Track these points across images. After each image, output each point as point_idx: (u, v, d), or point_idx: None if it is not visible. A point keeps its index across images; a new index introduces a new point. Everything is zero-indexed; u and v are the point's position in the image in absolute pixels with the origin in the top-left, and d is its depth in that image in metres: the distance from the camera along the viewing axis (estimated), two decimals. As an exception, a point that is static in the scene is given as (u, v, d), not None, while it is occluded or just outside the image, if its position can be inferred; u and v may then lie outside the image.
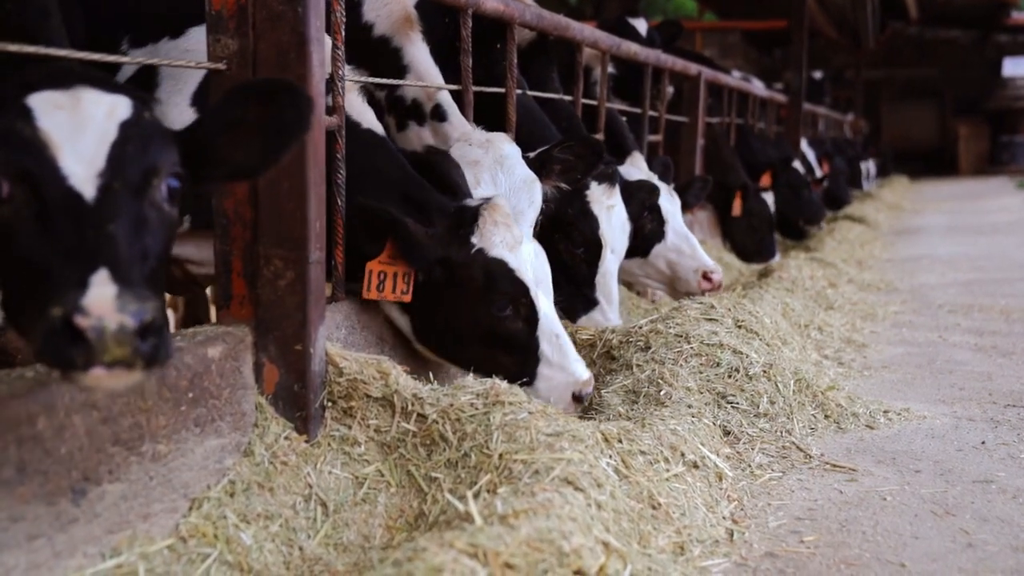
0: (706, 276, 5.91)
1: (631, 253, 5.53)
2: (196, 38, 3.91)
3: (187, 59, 3.59)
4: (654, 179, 6.07)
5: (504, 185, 4.29)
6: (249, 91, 2.53)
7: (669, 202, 6.10)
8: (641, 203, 5.74)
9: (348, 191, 3.59)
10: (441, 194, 3.84)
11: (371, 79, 3.96)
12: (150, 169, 2.29)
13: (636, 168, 6.18)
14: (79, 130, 2.20)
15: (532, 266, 3.78)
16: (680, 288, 6.00)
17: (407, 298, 3.67)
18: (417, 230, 3.58)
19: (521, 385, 3.58)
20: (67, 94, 2.25)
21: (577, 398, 3.73)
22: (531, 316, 3.72)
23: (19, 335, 2.28)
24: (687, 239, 6.04)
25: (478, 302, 3.67)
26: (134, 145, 2.26)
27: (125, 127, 2.26)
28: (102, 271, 2.04)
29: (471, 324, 3.71)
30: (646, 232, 5.79)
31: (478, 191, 4.13)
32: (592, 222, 5.01)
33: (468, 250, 3.66)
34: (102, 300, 1.99)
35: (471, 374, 3.75)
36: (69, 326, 1.98)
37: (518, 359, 3.71)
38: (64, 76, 2.32)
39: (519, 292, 3.69)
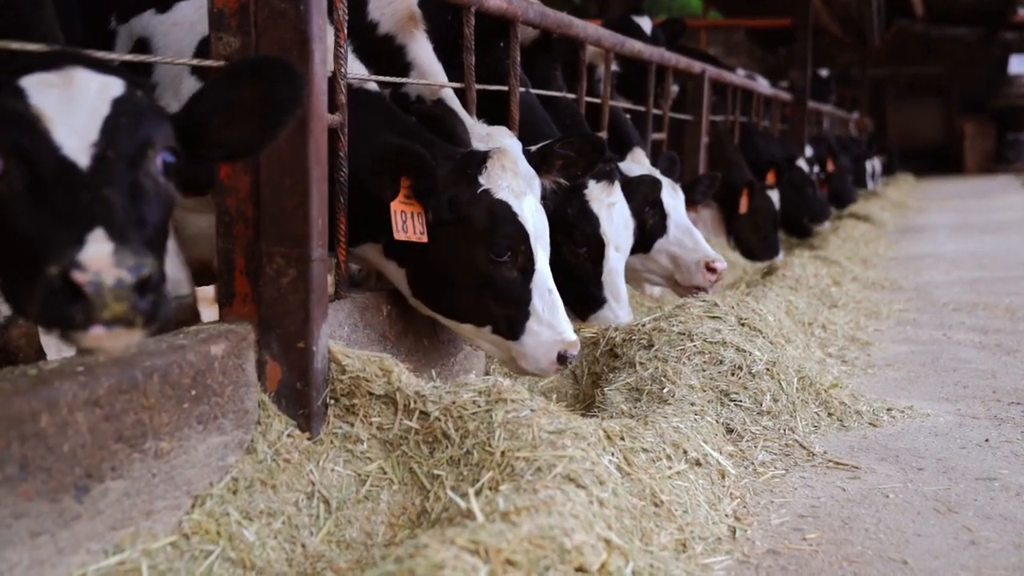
0: (709, 267, 5.88)
1: (633, 249, 5.51)
2: (183, 12, 3.93)
3: (175, 32, 3.62)
4: (655, 173, 6.05)
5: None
6: (242, 70, 2.54)
7: (672, 196, 6.08)
8: (644, 198, 5.72)
9: (352, 145, 3.60)
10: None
11: (375, 77, 3.96)
12: (144, 141, 2.29)
13: (637, 164, 6.18)
14: (71, 105, 2.21)
15: (534, 219, 3.78)
16: (683, 281, 5.96)
17: (424, 238, 3.66)
18: (426, 157, 3.59)
19: (508, 339, 3.67)
20: (59, 74, 2.25)
21: (562, 358, 3.74)
22: (527, 267, 3.72)
23: (16, 310, 2.25)
24: (690, 232, 6.01)
25: (478, 243, 3.67)
26: (127, 119, 2.26)
27: (118, 103, 2.27)
28: (98, 230, 2.04)
29: (468, 267, 3.69)
30: (648, 227, 5.77)
31: None
32: (592, 221, 5.00)
33: (474, 189, 3.67)
34: (99, 255, 1.98)
35: (462, 325, 3.81)
36: (67, 283, 1.97)
37: (509, 310, 3.72)
38: (57, 58, 2.32)
39: (520, 237, 3.70)
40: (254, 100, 2.49)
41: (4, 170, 2.14)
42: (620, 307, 5.08)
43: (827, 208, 11.27)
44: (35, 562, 2.30)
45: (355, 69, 3.80)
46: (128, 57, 2.71)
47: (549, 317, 3.73)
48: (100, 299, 1.98)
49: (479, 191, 3.66)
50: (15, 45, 2.42)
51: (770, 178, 10.01)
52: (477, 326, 3.78)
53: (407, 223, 3.64)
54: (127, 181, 2.23)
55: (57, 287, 1.98)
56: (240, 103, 2.50)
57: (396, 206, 3.62)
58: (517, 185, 3.73)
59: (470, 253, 3.68)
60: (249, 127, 2.53)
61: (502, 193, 3.68)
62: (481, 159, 3.71)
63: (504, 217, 3.67)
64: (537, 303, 3.73)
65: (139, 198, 2.25)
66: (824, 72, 22.15)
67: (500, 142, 4.27)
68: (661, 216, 5.96)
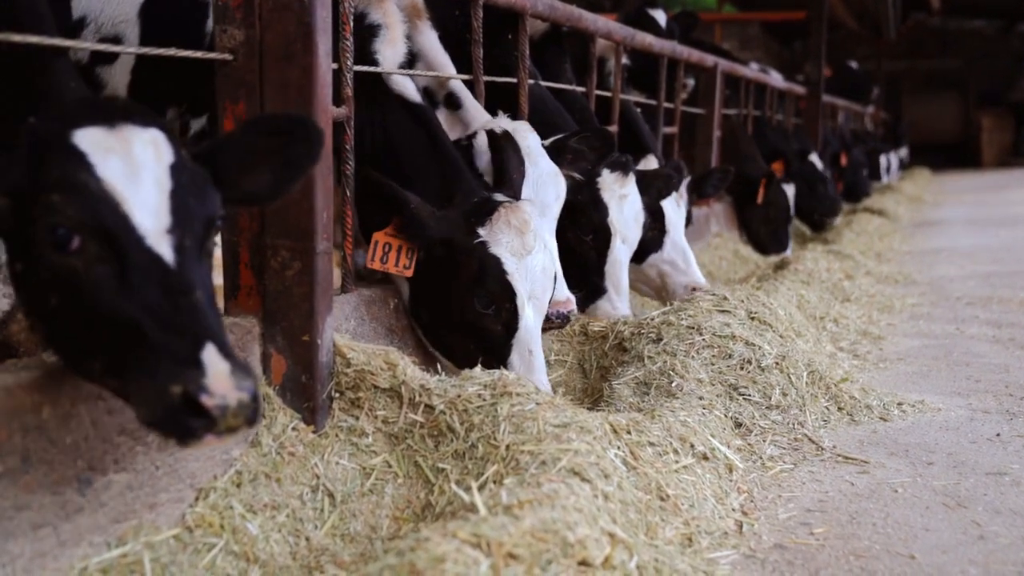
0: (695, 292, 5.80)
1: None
2: None
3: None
4: None
5: (532, 176, 4.30)
6: (265, 123, 2.59)
7: (675, 212, 5.97)
8: (659, 192, 5.69)
9: (387, 160, 3.63)
10: (482, 179, 3.98)
11: (379, 69, 3.95)
12: (209, 220, 2.36)
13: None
14: (138, 179, 2.23)
15: (532, 278, 3.77)
16: (667, 298, 5.88)
17: (408, 273, 3.74)
18: (420, 208, 3.65)
19: None
20: (113, 134, 2.26)
21: None
22: (511, 323, 3.73)
23: (79, 373, 2.35)
24: (684, 253, 5.91)
25: (465, 291, 3.70)
26: (191, 195, 2.31)
27: (175, 172, 2.30)
28: (209, 346, 2.13)
29: (455, 311, 3.75)
30: (645, 240, 5.69)
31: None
32: (602, 209, 4.96)
33: (472, 238, 3.69)
34: (221, 379, 2.09)
35: (447, 361, 3.86)
36: (190, 402, 2.07)
37: (488, 359, 3.70)
38: (101, 109, 2.32)
39: (505, 295, 3.70)
40: (272, 153, 2.55)
41: (81, 247, 2.18)
42: (620, 299, 5.06)
43: (838, 204, 11.19)
44: (37, 554, 2.31)
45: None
46: (131, 50, 2.70)
47: (527, 375, 3.67)
48: (224, 419, 2.09)
49: (475, 241, 3.68)
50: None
51: (777, 168, 9.95)
52: (457, 367, 3.74)
53: (389, 255, 3.70)
54: (204, 272, 2.32)
55: (180, 405, 2.08)
56: (259, 154, 2.55)
57: (379, 236, 3.68)
58: (519, 244, 3.72)
59: (459, 298, 3.72)
60: (266, 177, 2.58)
61: (497, 248, 3.69)
62: (491, 209, 3.72)
63: (493, 273, 3.69)
64: (515, 359, 3.74)
65: (210, 285, 2.33)
66: (854, 64, 22.05)
67: (525, 139, 4.28)
68: (660, 231, 5.85)
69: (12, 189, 2.22)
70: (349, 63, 3.50)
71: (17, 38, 2.46)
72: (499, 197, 3.83)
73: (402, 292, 3.94)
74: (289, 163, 2.57)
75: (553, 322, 4.13)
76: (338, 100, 3.43)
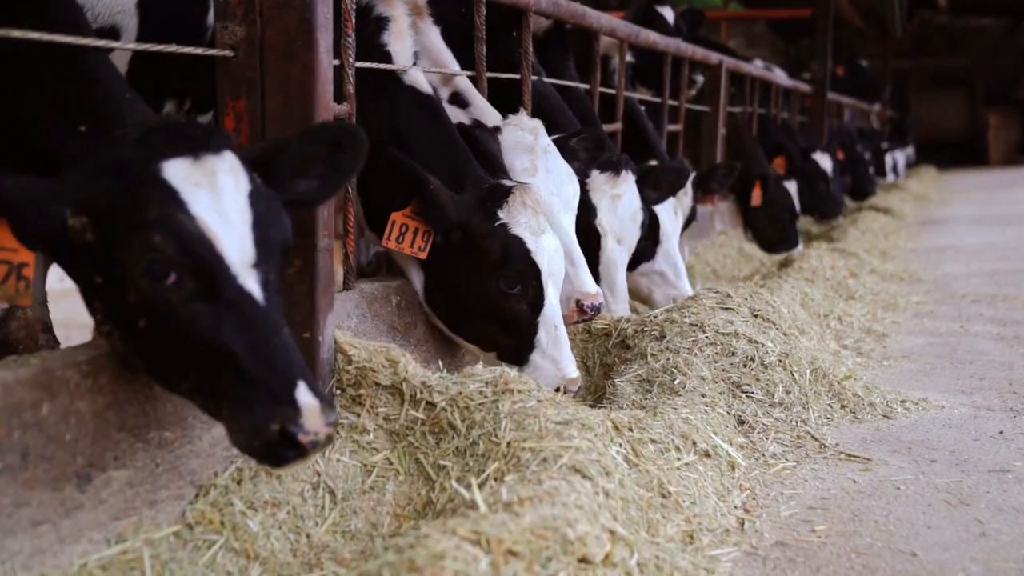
0: None
1: None
2: None
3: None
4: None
5: (554, 173, 4.35)
6: (319, 133, 2.70)
7: (671, 222, 5.92)
8: (670, 186, 5.66)
9: (398, 149, 3.71)
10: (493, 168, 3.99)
11: (382, 65, 3.95)
12: (284, 247, 2.51)
13: None
14: (225, 214, 2.34)
15: (549, 257, 3.81)
16: (653, 307, 5.84)
17: (423, 255, 3.76)
18: (440, 191, 3.67)
19: (513, 366, 3.71)
20: (199, 166, 2.36)
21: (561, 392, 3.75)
22: (536, 301, 3.77)
23: (161, 385, 2.53)
24: (675, 266, 5.86)
25: (490, 274, 3.73)
26: (270, 225, 2.43)
27: (253, 201, 2.41)
28: (302, 385, 2.33)
29: (478, 295, 3.77)
30: (638, 249, 5.65)
31: (536, 178, 4.21)
32: (589, 210, 4.93)
33: (492, 222, 3.72)
34: (314, 417, 2.30)
35: (469, 345, 3.91)
36: (287, 438, 2.28)
37: (514, 340, 3.79)
38: (183, 137, 2.40)
39: (531, 274, 3.74)
40: (320, 159, 2.68)
41: (176, 282, 2.30)
42: (615, 299, 5.04)
43: (839, 205, 11.12)
44: (36, 551, 2.31)
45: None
46: (131, 46, 2.70)
47: (553, 352, 3.80)
48: (314, 450, 2.33)
49: (496, 224, 3.72)
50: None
51: (778, 164, 9.92)
52: (483, 350, 3.91)
53: (405, 236, 3.72)
54: (283, 306, 2.50)
55: (278, 439, 2.29)
56: (309, 160, 2.67)
57: (397, 216, 3.69)
58: (536, 223, 3.78)
59: (482, 282, 3.75)
60: (314, 182, 2.71)
61: (518, 229, 3.74)
62: (505, 192, 3.76)
63: (518, 253, 3.72)
64: (542, 337, 3.80)
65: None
66: (864, 62, 22.02)
67: (545, 137, 4.32)
68: (654, 241, 5.80)
69: (90, 208, 2.31)
70: (351, 60, 3.50)
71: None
72: (507, 182, 3.88)
73: (415, 282, 3.95)
74: (336, 169, 2.71)
75: (587, 313, 4.20)
76: (340, 97, 3.43)
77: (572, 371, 3.82)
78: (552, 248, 3.83)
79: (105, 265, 2.34)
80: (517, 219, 3.73)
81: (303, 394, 2.31)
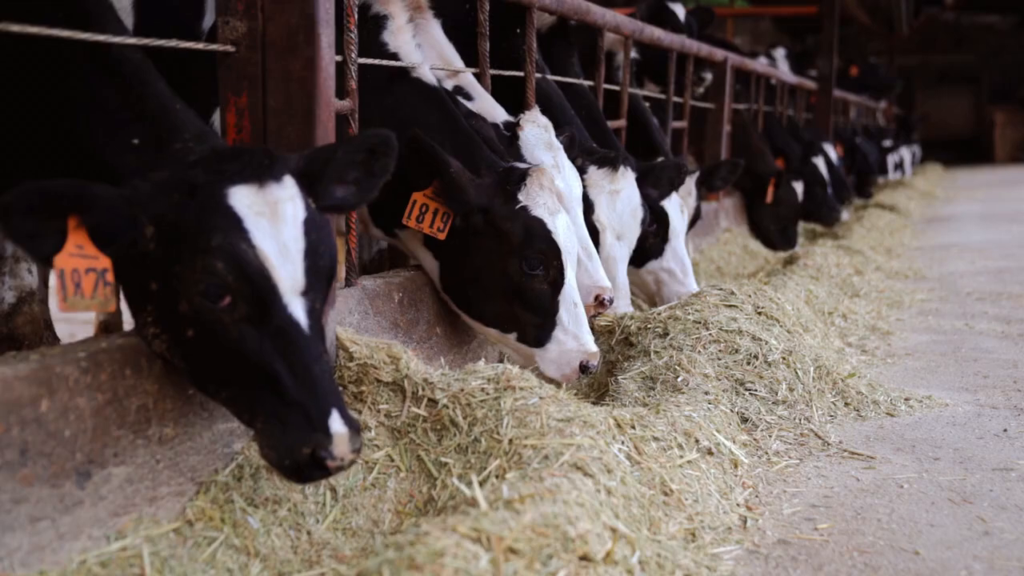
0: None
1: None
2: None
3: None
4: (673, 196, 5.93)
5: (567, 169, 4.39)
6: (360, 142, 2.76)
7: (678, 220, 5.90)
8: (671, 182, 5.64)
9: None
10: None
11: (385, 61, 3.94)
12: (331, 275, 2.60)
13: None
14: (283, 244, 2.44)
15: (566, 236, 3.86)
16: (659, 305, 5.82)
17: (442, 236, 3.78)
18: (461, 173, 3.69)
19: (532, 347, 3.83)
20: (262, 194, 2.45)
21: (584, 368, 3.84)
22: (558, 280, 3.82)
23: (199, 390, 2.65)
24: (683, 263, 5.85)
25: (512, 256, 3.77)
26: (320, 254, 2.53)
27: (308, 229, 2.51)
28: (335, 413, 2.44)
29: (499, 277, 3.81)
30: (646, 247, 5.62)
31: (559, 176, 4.23)
32: (587, 206, 4.90)
33: (512, 204, 3.76)
34: (343, 444, 2.42)
35: (488, 328, 3.94)
36: (317, 461, 2.42)
37: (537, 320, 3.85)
38: (249, 163, 2.49)
39: (553, 254, 3.79)
40: (357, 165, 2.76)
41: (229, 304, 2.41)
42: (616, 295, 5.01)
43: (836, 212, 11.07)
44: (35, 547, 2.30)
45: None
46: (132, 41, 2.69)
47: (574, 328, 3.86)
48: (338, 472, 2.49)
49: (517, 207, 3.76)
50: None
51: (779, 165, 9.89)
52: (503, 332, 3.92)
53: (425, 216, 3.74)
54: (325, 331, 2.60)
55: (306, 461, 2.42)
56: (348, 167, 2.74)
57: (419, 196, 3.72)
58: (552, 203, 3.83)
59: (504, 264, 3.79)
60: (352, 188, 2.78)
61: (538, 211, 3.78)
62: (521, 176, 3.80)
63: (539, 234, 3.77)
64: (563, 315, 3.86)
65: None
66: (874, 59, 22.02)
67: (553, 135, 4.31)
68: (663, 239, 5.79)
69: (159, 221, 2.41)
70: (353, 55, 3.48)
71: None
72: (520, 165, 3.91)
73: (429, 270, 4.00)
74: (372, 174, 2.79)
75: (605, 306, 4.27)
76: (342, 93, 3.42)
77: (593, 345, 3.88)
78: (566, 226, 3.88)
79: (162, 274, 2.43)
80: (536, 200, 3.78)
81: (336, 422, 2.42)
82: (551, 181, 3.86)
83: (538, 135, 4.34)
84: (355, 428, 2.46)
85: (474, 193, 3.72)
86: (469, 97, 4.41)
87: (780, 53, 12.73)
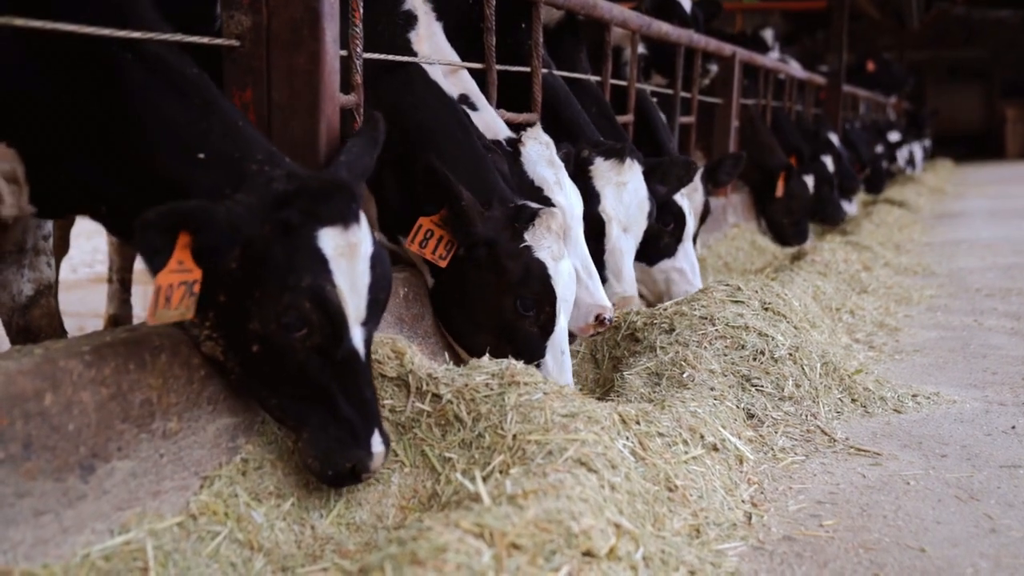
0: None
1: (637, 257, 5.37)
2: None
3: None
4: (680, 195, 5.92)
5: (568, 186, 4.35)
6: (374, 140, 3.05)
7: (690, 219, 5.92)
8: (679, 179, 5.63)
9: (425, 151, 3.71)
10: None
11: (384, 56, 3.93)
12: (384, 305, 2.80)
13: None
14: (355, 281, 2.63)
15: (565, 284, 3.83)
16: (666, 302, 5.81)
17: (443, 263, 3.75)
18: (472, 206, 3.66)
19: None
20: (346, 236, 2.60)
21: None
22: (548, 326, 3.79)
23: (249, 396, 2.87)
24: (694, 265, 5.88)
25: (507, 294, 3.73)
26: (381, 288, 2.74)
27: (373, 264, 2.69)
28: (376, 433, 2.73)
29: (493, 312, 3.77)
30: (660, 245, 5.62)
31: (563, 191, 4.26)
32: (593, 197, 4.89)
33: (518, 243, 3.72)
34: (379, 460, 2.74)
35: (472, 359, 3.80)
36: (355, 473, 2.73)
37: (523, 360, 3.68)
38: (338, 204, 2.60)
39: (548, 299, 3.75)
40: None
41: (304, 336, 2.60)
42: (621, 284, 5.00)
43: (840, 212, 11.02)
44: (39, 541, 2.30)
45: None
46: (136, 35, 2.69)
47: (557, 377, 3.80)
48: (366, 481, 2.83)
49: (521, 246, 3.73)
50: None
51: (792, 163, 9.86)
52: None
53: (429, 242, 3.72)
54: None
55: (347, 473, 2.73)
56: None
57: (425, 222, 3.69)
58: (558, 249, 3.79)
59: (499, 300, 3.76)
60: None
61: (542, 253, 3.75)
62: (531, 215, 3.76)
63: (538, 276, 3.74)
64: (549, 361, 3.83)
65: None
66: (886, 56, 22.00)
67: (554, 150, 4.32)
68: (676, 239, 5.80)
69: (248, 244, 2.52)
70: (358, 50, 3.48)
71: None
72: (533, 204, 3.86)
73: (427, 282, 3.99)
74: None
75: (605, 325, 4.22)
76: (347, 87, 3.41)
77: None
78: (568, 274, 3.85)
79: (238, 292, 2.56)
80: (541, 243, 3.74)
81: (376, 442, 2.71)
82: (560, 226, 3.82)
83: (540, 152, 4.29)
84: (388, 444, 2.73)
85: (482, 227, 3.69)
86: (474, 107, 4.36)
87: (769, 34, 12.62)
